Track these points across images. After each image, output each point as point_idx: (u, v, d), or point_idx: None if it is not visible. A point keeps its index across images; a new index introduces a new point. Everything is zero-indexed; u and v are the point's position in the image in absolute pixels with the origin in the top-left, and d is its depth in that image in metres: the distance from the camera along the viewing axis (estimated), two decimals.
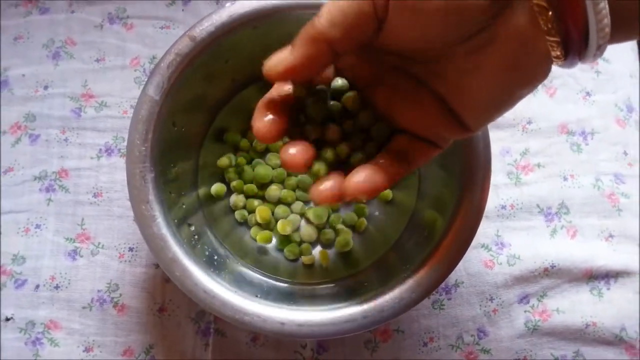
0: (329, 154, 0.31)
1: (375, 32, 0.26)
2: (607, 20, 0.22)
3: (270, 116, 0.29)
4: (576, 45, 0.23)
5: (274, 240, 0.47)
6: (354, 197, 0.28)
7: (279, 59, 0.27)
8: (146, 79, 0.51)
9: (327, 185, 0.29)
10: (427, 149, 0.30)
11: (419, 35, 0.26)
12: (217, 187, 0.46)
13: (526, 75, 0.25)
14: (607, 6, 0.22)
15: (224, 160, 0.46)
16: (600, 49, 0.23)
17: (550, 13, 0.22)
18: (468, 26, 0.24)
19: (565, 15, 0.22)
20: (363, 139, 0.31)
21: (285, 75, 0.27)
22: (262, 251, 0.46)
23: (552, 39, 0.23)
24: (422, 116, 0.29)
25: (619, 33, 0.23)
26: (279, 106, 0.29)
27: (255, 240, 0.46)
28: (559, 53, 0.23)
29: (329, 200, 0.29)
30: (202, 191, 0.46)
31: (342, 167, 0.31)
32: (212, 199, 0.46)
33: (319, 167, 0.30)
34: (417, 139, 0.30)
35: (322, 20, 0.26)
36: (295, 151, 0.29)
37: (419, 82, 0.29)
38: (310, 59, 0.26)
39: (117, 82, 0.52)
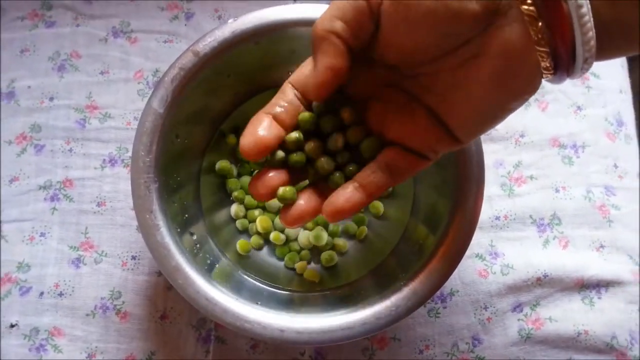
0: (312, 171, 0.31)
1: (373, 29, 0.28)
2: (591, 34, 0.23)
3: (261, 132, 0.29)
4: (564, 59, 0.24)
5: (275, 249, 0.48)
6: (333, 220, 0.29)
7: (313, 74, 0.29)
8: (149, 92, 0.52)
9: (297, 209, 0.30)
10: (416, 162, 0.31)
11: (410, 44, 0.27)
12: (221, 164, 0.47)
13: (517, 88, 0.26)
14: (591, 20, 0.23)
15: (223, 164, 0.47)
16: (588, 62, 0.24)
17: (540, 24, 0.23)
18: (459, 34, 0.25)
19: (553, 26, 0.23)
20: (349, 156, 0.32)
21: (327, 82, 0.28)
22: (262, 259, 0.47)
23: (541, 49, 0.24)
24: (413, 129, 0.30)
25: (618, 45, 0.25)
26: (271, 124, 0.30)
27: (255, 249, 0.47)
28: (548, 64, 0.24)
29: (299, 222, 0.30)
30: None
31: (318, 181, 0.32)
32: (213, 208, 0.47)
33: (284, 191, 0.30)
34: (407, 151, 0.30)
35: (324, 19, 0.28)
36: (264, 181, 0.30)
37: (411, 96, 0.30)
38: (334, 55, 0.28)
39: (121, 94, 0.53)
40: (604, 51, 0.25)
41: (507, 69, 0.25)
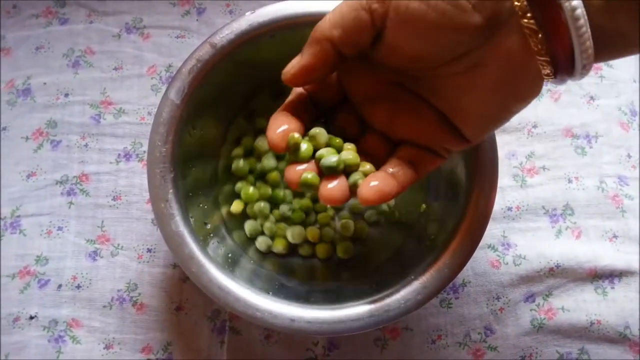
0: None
1: (372, 38, 0.28)
2: (589, 43, 0.24)
3: (285, 126, 0.30)
4: (564, 65, 0.25)
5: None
6: (367, 202, 0.29)
7: (292, 64, 0.29)
8: (162, 87, 0.53)
9: (336, 184, 0.30)
10: (431, 158, 0.32)
11: (415, 51, 0.27)
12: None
13: (520, 92, 0.27)
14: (589, 31, 0.23)
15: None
16: (586, 68, 0.25)
17: (540, 35, 0.24)
18: (461, 44, 0.26)
19: (552, 37, 0.24)
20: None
21: (299, 76, 0.29)
22: (274, 251, 0.48)
23: (542, 58, 0.25)
24: (423, 128, 0.31)
25: (617, 50, 0.25)
26: (292, 114, 0.31)
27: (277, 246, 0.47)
28: (549, 71, 0.25)
29: (337, 200, 0.30)
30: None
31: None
32: (228, 198, 0.47)
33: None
34: (420, 148, 0.31)
35: (325, 23, 0.28)
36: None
37: (417, 96, 0.31)
38: (317, 58, 0.29)
39: (135, 89, 0.54)
40: (602, 56, 0.25)
41: (509, 77, 0.26)
